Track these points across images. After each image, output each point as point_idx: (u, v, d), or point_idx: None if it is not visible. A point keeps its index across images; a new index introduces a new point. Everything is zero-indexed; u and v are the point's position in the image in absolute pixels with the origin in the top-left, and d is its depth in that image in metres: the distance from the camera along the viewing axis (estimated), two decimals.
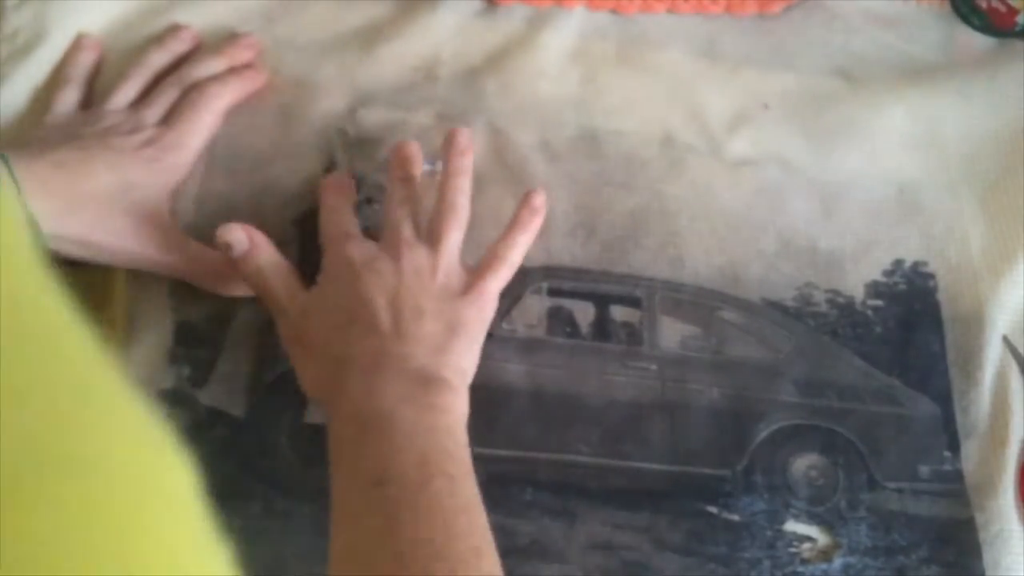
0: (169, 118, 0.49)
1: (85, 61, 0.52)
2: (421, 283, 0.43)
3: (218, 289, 0.47)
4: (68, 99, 0.50)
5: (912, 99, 0.57)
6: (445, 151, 0.47)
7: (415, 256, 0.44)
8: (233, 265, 0.45)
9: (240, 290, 0.47)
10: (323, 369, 0.42)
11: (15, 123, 0.50)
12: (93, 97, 0.52)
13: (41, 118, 0.50)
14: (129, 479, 0.17)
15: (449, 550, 0.36)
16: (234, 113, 0.52)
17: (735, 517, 0.46)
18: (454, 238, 0.45)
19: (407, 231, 0.45)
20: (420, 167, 0.48)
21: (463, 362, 0.43)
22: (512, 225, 0.47)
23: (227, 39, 0.54)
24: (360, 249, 0.44)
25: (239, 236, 0.44)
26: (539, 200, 0.47)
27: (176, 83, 0.51)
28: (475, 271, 0.45)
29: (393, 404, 0.39)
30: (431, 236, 0.45)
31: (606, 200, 0.52)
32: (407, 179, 0.47)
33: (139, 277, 0.47)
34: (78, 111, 0.50)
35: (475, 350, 0.44)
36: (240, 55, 0.53)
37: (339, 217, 0.46)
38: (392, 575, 0.35)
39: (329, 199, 0.47)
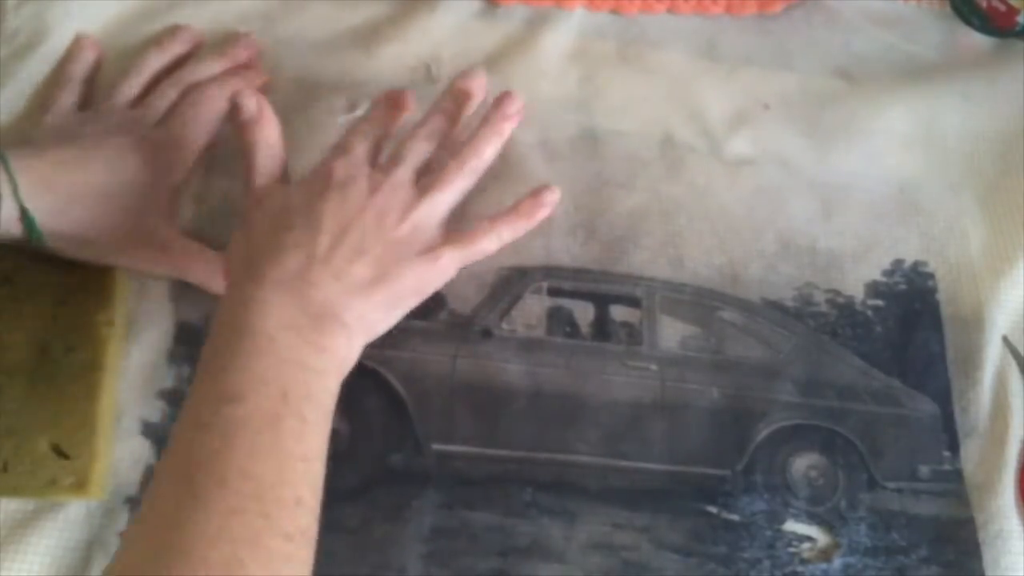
0: (168, 118, 0.49)
1: (85, 61, 0.52)
2: (380, 225, 0.43)
3: (217, 288, 0.47)
4: (67, 99, 0.50)
5: (912, 99, 0.57)
6: (491, 109, 0.48)
7: (391, 198, 0.43)
8: (235, 127, 0.45)
9: None
10: (243, 260, 0.42)
11: (15, 123, 0.50)
12: (92, 97, 0.52)
13: (40, 118, 0.49)
14: None
15: (272, 492, 0.35)
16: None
17: (735, 517, 0.46)
18: (445, 197, 0.45)
19: (404, 171, 0.45)
20: (472, 108, 0.49)
21: (373, 315, 0.42)
22: (507, 211, 0.47)
23: (227, 39, 0.54)
24: (345, 166, 0.44)
25: (250, 103, 0.45)
26: (551, 196, 0.48)
27: (176, 83, 0.51)
28: (447, 237, 0.45)
29: (277, 328, 0.38)
30: (426, 184, 0.45)
31: (606, 200, 0.52)
32: (449, 116, 0.48)
33: (139, 277, 0.47)
34: (77, 111, 0.50)
35: (395, 310, 0.43)
36: (240, 55, 0.53)
37: (361, 132, 0.46)
38: (207, 499, 0.34)
39: (374, 112, 0.48)
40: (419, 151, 0.46)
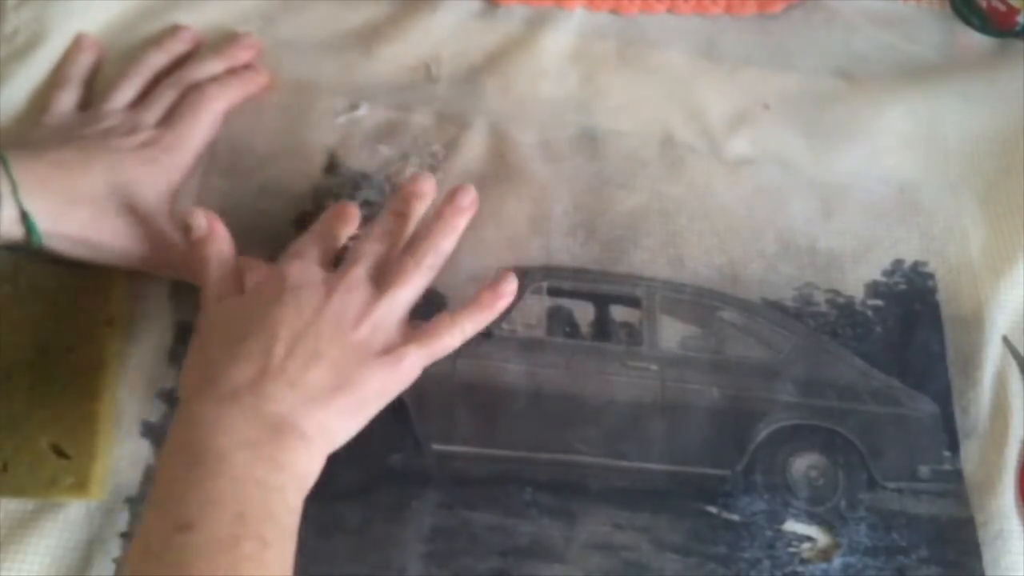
0: (168, 119, 0.49)
1: (84, 61, 0.52)
2: (336, 329, 0.40)
3: None
4: (67, 99, 0.50)
5: (912, 99, 0.57)
6: (444, 203, 0.45)
7: (348, 299, 0.41)
8: (187, 246, 0.44)
9: None
10: (194, 376, 0.41)
11: (14, 123, 0.50)
12: (92, 98, 0.52)
13: (40, 118, 0.49)
14: None
15: None
16: (234, 113, 0.52)
17: (735, 517, 0.46)
18: (404, 294, 0.42)
19: (360, 271, 0.42)
20: (425, 207, 0.46)
21: (335, 423, 0.40)
22: (468, 304, 0.44)
23: (226, 39, 0.54)
24: (299, 271, 0.42)
25: (200, 221, 0.44)
26: (509, 286, 0.45)
27: (175, 84, 0.51)
28: (408, 336, 0.42)
29: (231, 446, 0.37)
30: (384, 282, 0.43)
31: (606, 200, 0.52)
32: (402, 216, 0.45)
33: (139, 277, 0.47)
34: (77, 111, 0.50)
35: (357, 418, 0.41)
36: (239, 56, 0.53)
37: (313, 239, 0.45)
38: None
39: (324, 222, 0.46)
40: (373, 251, 0.44)
